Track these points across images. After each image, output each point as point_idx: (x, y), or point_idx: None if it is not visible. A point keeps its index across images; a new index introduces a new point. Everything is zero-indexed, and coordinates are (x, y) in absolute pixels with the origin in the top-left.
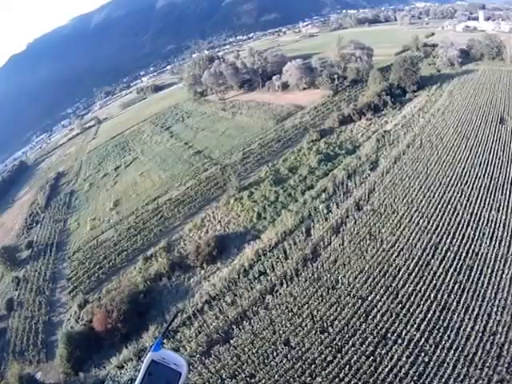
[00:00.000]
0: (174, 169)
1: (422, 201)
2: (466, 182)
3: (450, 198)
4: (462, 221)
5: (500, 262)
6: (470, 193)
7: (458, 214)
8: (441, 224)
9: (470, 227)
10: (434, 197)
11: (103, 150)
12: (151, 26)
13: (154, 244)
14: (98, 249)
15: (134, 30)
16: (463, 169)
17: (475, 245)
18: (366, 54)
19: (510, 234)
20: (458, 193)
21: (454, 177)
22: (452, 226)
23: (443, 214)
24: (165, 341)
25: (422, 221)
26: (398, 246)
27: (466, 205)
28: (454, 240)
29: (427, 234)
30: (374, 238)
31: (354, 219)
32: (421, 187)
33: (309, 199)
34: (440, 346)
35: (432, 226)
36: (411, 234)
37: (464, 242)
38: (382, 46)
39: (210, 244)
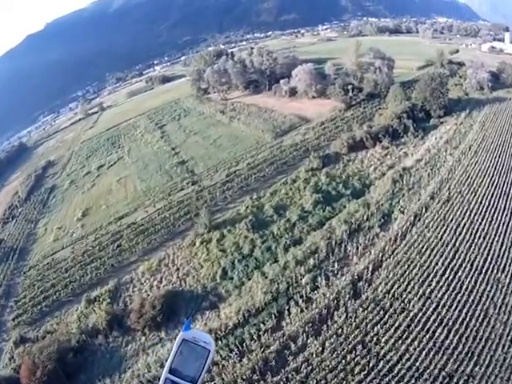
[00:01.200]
0: (151, 180)
1: (444, 294)
2: (504, 268)
3: (482, 293)
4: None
5: None
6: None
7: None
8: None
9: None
10: (460, 290)
11: (96, 142)
12: (170, 15)
13: (102, 282)
14: (50, 270)
15: (152, 18)
16: (501, 244)
17: None
18: (386, 64)
19: None
20: (492, 286)
21: (488, 257)
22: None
23: (469, 321)
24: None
25: (440, 330)
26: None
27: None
28: None
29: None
30: (367, 350)
31: (345, 312)
32: (445, 270)
33: (291, 262)
34: None
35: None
36: (424, 353)
37: None
38: (402, 58)
39: (156, 306)
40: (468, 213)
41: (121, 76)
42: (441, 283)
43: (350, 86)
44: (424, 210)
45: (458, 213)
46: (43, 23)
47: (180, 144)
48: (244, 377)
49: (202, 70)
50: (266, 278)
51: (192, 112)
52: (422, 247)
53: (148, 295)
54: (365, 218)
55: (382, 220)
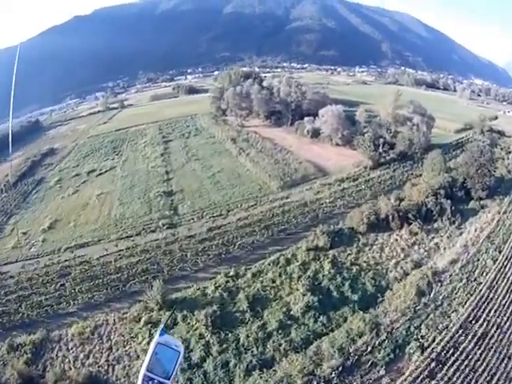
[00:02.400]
0: (130, 206)
1: None
2: None
3: None
4: None
5: None
6: None
7: None
8: None
9: None
10: None
11: (100, 141)
12: (213, 28)
13: (31, 326)
14: None
15: (195, 28)
16: None
17: None
18: (425, 123)
19: None
20: None
21: None
22: None
23: None
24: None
25: None
26: None
27: None
28: None
29: None
30: None
31: None
32: None
33: None
34: None
35: None
36: None
37: None
38: (439, 117)
39: None
40: (506, 360)
41: (152, 77)
42: None
43: (381, 140)
44: (452, 349)
45: (494, 359)
46: (92, 8)
47: (176, 169)
48: None
49: (225, 89)
50: None
51: (203, 132)
52: None
53: (67, 371)
54: (369, 347)
55: (392, 355)
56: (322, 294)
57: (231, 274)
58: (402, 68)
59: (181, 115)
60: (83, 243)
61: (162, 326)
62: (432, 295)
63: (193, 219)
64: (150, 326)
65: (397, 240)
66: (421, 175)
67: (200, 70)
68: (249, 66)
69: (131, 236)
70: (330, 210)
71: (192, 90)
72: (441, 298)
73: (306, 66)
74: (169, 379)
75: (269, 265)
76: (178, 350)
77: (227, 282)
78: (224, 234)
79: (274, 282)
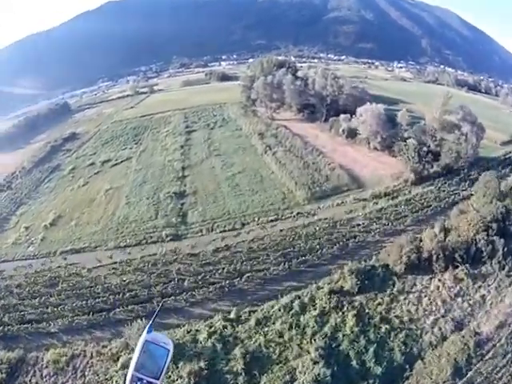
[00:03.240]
0: (136, 207)
1: None
2: None
3: None
4: None
5: None
6: None
7: None
8: None
9: None
10: None
11: (122, 127)
12: (248, 16)
13: (11, 341)
14: None
15: (230, 15)
16: None
17: None
18: (475, 133)
19: None
20: None
21: None
22: None
23: None
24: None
25: None
26: None
27: None
28: None
29: None
30: None
31: None
32: None
33: None
34: None
35: None
36: None
37: None
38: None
39: None
40: None
41: (186, 62)
42: None
43: (424, 149)
44: None
45: None
46: None
47: (194, 164)
48: None
49: (256, 77)
50: None
51: (230, 124)
52: None
53: None
54: None
55: None
56: (339, 363)
57: (231, 316)
58: (441, 66)
59: (209, 103)
60: (79, 248)
61: (150, 322)
62: (470, 374)
63: (201, 231)
64: (126, 370)
65: (438, 288)
66: (469, 197)
67: (235, 56)
68: (284, 55)
69: (129, 246)
70: (363, 239)
71: (224, 77)
72: (479, 380)
73: (343, 57)
74: (158, 379)
75: (279, 310)
76: (167, 348)
77: (224, 327)
78: (232, 258)
79: (281, 335)
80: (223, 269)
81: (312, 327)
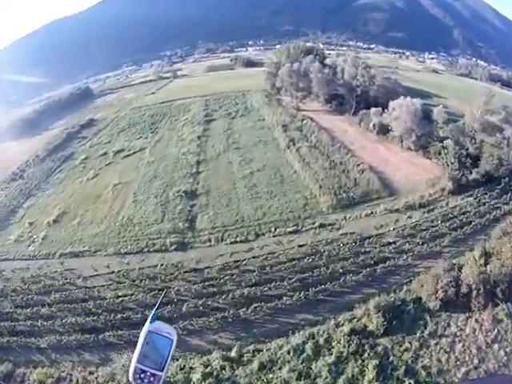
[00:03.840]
0: (143, 206)
1: None
2: None
3: None
4: None
5: None
6: None
7: None
8: None
9: None
10: None
11: (141, 114)
12: (276, 1)
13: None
14: None
15: (258, 0)
16: None
17: None
18: None
19: None
20: None
21: None
22: None
23: None
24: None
25: None
26: None
27: None
28: None
29: None
30: None
31: None
32: None
33: None
34: None
35: None
36: None
37: None
38: None
39: None
40: None
41: (212, 47)
42: None
43: (464, 153)
44: None
45: None
46: None
47: (210, 158)
48: None
49: (281, 64)
50: None
51: (252, 113)
52: None
53: None
54: None
55: None
56: None
57: (232, 354)
58: (474, 59)
59: (232, 90)
60: (78, 252)
61: (153, 312)
62: None
63: (209, 241)
64: None
65: (474, 331)
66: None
67: (262, 42)
68: (312, 42)
69: (130, 253)
70: (394, 263)
71: (250, 63)
72: None
73: (372, 46)
74: (162, 370)
75: (288, 352)
76: (171, 338)
77: (222, 368)
78: (240, 280)
79: None
80: (229, 292)
81: (324, 378)
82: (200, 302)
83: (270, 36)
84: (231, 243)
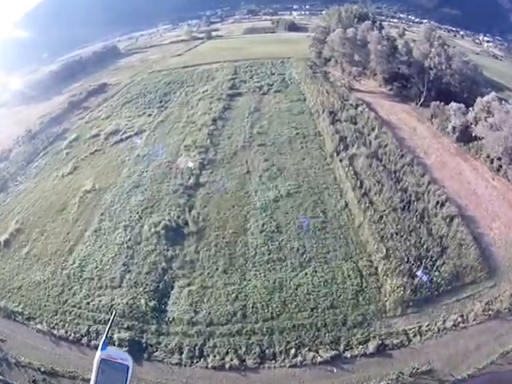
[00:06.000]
0: (104, 243)
1: None
2: None
3: None
4: None
5: None
6: None
7: None
8: None
9: None
10: None
11: (157, 80)
12: None
13: None
14: None
15: None
16: None
17: None
18: None
19: None
20: None
21: None
22: None
23: None
24: None
25: None
26: None
27: None
28: None
29: None
30: None
31: None
32: None
33: None
34: None
35: None
36: None
37: None
38: None
39: None
40: None
41: (254, 9)
42: None
43: None
44: None
45: None
46: None
47: (221, 160)
48: None
49: (331, 29)
50: None
51: (290, 89)
52: None
53: None
54: None
55: None
56: None
57: None
58: None
59: (270, 56)
60: (11, 312)
61: (103, 338)
62: None
63: (179, 353)
64: None
65: None
66: None
67: (307, 7)
68: (361, 9)
69: (64, 339)
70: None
71: (293, 27)
72: None
73: (424, 21)
74: None
75: None
76: (126, 364)
77: None
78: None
79: None
80: None
81: None
82: None
83: (316, 1)
84: (213, 368)
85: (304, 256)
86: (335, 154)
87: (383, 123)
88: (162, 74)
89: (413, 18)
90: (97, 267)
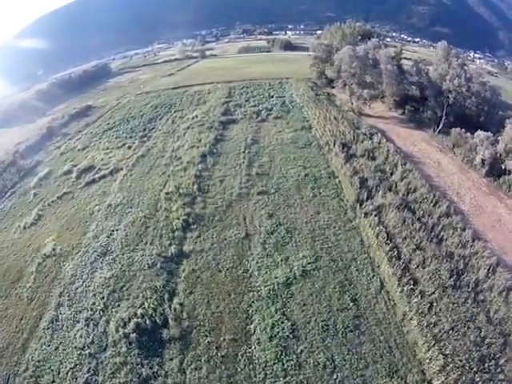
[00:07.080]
0: (60, 343)
1: None
2: None
3: None
4: None
5: None
6: None
7: None
8: None
9: None
10: None
11: (144, 103)
12: None
13: None
14: None
15: None
16: None
17: None
18: None
19: None
20: None
21: None
22: None
23: None
24: None
25: None
26: None
27: None
28: None
29: None
30: None
31: None
32: None
33: None
34: None
35: None
36: None
37: None
38: None
39: None
40: None
41: (249, 29)
42: None
43: None
44: None
45: None
46: None
47: (211, 216)
48: None
49: (334, 48)
50: None
51: (292, 114)
52: None
53: None
54: None
55: None
56: None
57: None
58: None
59: (267, 76)
60: None
61: None
62: None
63: None
64: None
65: None
66: None
67: (302, 27)
68: None
69: None
70: None
71: (289, 46)
72: None
73: (417, 40)
74: None
75: None
76: None
77: None
78: None
79: None
80: None
81: None
82: None
83: (310, 21)
84: None
85: (334, 376)
86: (358, 205)
87: (405, 157)
88: (150, 95)
89: (405, 36)
90: (53, 382)
